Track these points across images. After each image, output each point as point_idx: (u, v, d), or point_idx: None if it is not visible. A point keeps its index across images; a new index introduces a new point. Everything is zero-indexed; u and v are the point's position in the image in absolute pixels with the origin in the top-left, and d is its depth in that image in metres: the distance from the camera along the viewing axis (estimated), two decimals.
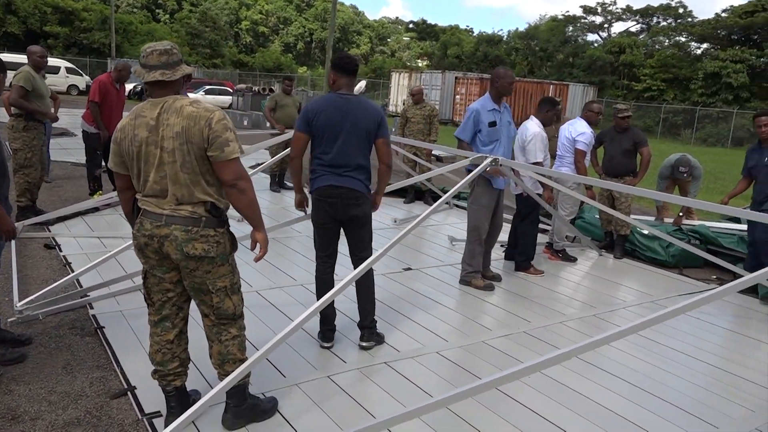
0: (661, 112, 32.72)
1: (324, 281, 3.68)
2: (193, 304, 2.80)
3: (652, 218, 7.53)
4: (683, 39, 39.84)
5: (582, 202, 7.11)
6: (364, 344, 3.77)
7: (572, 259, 6.26)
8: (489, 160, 4.29)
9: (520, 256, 5.73)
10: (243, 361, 2.74)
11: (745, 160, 5.61)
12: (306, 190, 3.78)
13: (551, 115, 5.62)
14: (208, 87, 28.84)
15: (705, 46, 38.47)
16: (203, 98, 25.47)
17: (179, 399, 2.79)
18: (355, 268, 3.54)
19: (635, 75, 38.16)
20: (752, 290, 5.54)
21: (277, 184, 8.98)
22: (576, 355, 2.34)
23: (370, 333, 3.78)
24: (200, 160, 2.51)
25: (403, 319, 4.35)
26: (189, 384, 2.97)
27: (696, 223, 7.04)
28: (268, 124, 9.07)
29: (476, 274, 5.13)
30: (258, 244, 2.75)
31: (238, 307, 2.74)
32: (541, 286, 5.38)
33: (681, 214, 6.89)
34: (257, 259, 2.76)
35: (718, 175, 15.17)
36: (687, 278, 5.99)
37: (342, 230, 3.68)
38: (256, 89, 24.11)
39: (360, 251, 3.69)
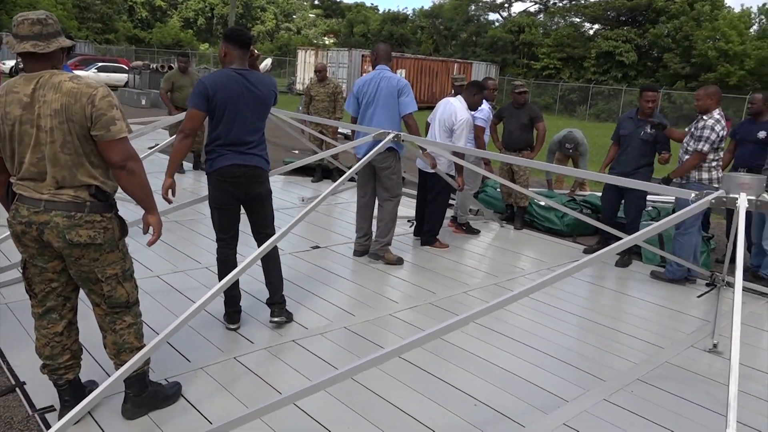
0: (558, 89, 34.27)
1: (227, 263, 3.60)
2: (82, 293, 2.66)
3: (551, 191, 7.93)
4: (578, 19, 41.74)
5: (484, 177, 7.37)
6: (275, 320, 3.74)
7: (476, 232, 6.49)
8: (391, 135, 4.33)
9: (427, 231, 5.87)
10: (140, 349, 2.64)
11: (617, 126, 5.88)
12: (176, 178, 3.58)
13: (478, 99, 5.72)
14: (100, 64, 27.06)
15: (597, 27, 40.51)
16: (95, 76, 23.89)
17: (73, 392, 2.66)
18: (259, 246, 3.49)
19: (534, 54, 39.63)
20: (639, 254, 5.99)
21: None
22: (473, 320, 2.44)
23: (280, 308, 3.76)
24: (83, 140, 2.36)
25: (311, 296, 4.36)
26: (85, 375, 2.84)
27: (587, 193, 7.49)
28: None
29: (389, 247, 5.20)
30: (151, 228, 2.64)
31: (132, 294, 2.63)
32: (446, 259, 5.54)
33: (573, 189, 7.33)
34: (150, 243, 2.65)
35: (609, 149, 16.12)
36: (580, 245, 6.38)
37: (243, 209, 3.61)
38: (155, 66, 22.96)
39: (264, 228, 3.64)
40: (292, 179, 8.82)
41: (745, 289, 5.13)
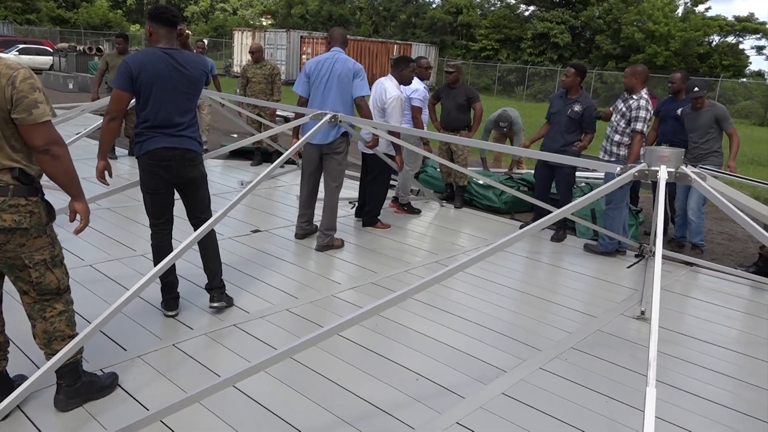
0: (496, 71, 34.82)
1: (162, 249, 3.51)
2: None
3: (488, 170, 8.09)
4: (513, 1, 42.39)
5: (424, 158, 7.44)
6: (215, 305, 3.68)
7: (417, 212, 6.56)
8: (329, 116, 4.31)
9: (368, 212, 5.89)
10: (73, 337, 2.55)
11: (549, 104, 6.05)
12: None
13: (408, 74, 5.72)
14: (22, 46, 25.60)
15: (532, 8, 41.25)
16: (17, 59, 22.58)
17: (1, 386, 2.55)
18: (195, 231, 3.41)
19: (472, 35, 40.07)
20: (573, 229, 6.21)
21: None
22: (410, 296, 2.49)
23: (220, 293, 3.70)
24: (2, 123, 2.24)
25: (252, 280, 4.32)
26: (13, 369, 2.73)
27: (524, 171, 7.68)
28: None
29: (334, 232, 5.18)
30: (78, 215, 2.55)
31: (63, 280, 2.54)
32: (388, 239, 5.59)
33: (510, 167, 7.52)
34: (77, 231, 2.56)
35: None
36: (518, 221, 6.55)
37: (177, 194, 3.52)
38: (81, 48, 21.91)
39: (200, 213, 3.56)
40: (231, 163, 8.65)
41: (670, 258, 5.42)
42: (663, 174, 2.60)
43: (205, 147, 8.62)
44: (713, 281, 5.08)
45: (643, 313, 4.16)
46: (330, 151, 4.93)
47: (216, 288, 3.69)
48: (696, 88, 5.48)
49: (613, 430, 2.80)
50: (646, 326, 4.01)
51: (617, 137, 5.38)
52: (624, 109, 5.33)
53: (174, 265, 3.49)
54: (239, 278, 4.31)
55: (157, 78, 3.21)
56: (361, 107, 4.91)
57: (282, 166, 8.23)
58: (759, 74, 37.49)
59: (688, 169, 2.63)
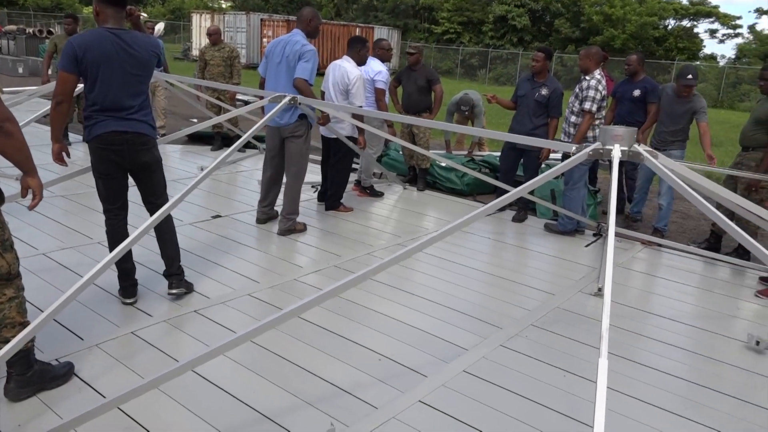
0: (459, 54, 34.88)
1: (117, 235, 3.42)
2: None
3: (450, 153, 8.13)
4: None
5: (387, 140, 7.43)
6: (174, 291, 3.62)
7: (379, 195, 6.56)
8: (287, 99, 4.25)
9: (331, 196, 5.87)
10: (24, 325, 2.48)
11: (516, 87, 6.12)
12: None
13: (364, 54, 5.68)
14: None
15: None
16: None
17: None
18: (151, 216, 3.34)
19: (435, 18, 39.99)
20: (534, 210, 6.31)
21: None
22: (369, 277, 2.49)
23: (178, 280, 3.64)
24: None
25: (213, 266, 4.26)
26: None
27: (485, 153, 7.74)
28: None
29: (296, 216, 5.13)
30: (31, 191, 2.47)
31: (13, 265, 2.46)
32: (351, 222, 5.58)
33: (471, 149, 7.57)
34: (32, 207, 2.50)
35: (506, 111, 16.70)
36: (480, 203, 6.62)
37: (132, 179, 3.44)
38: (31, 31, 21.09)
39: (156, 198, 3.48)
40: (190, 148, 8.49)
41: (626, 237, 5.55)
42: (616, 153, 2.65)
43: (163, 132, 8.43)
44: (668, 258, 5.23)
45: (600, 290, 4.26)
46: (289, 135, 4.87)
47: (174, 274, 3.63)
48: (690, 76, 5.39)
49: (570, 403, 2.87)
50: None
51: (573, 118, 5.46)
52: (578, 90, 5.41)
53: (131, 251, 3.42)
54: (200, 264, 4.25)
55: (103, 59, 3.11)
56: (298, 89, 4.69)
57: (242, 151, 8.17)
58: (712, 57, 38.51)
59: (641, 148, 2.69)
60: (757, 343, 3.53)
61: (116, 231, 3.44)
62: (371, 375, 2.99)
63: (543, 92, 5.69)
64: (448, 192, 7.02)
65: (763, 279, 4.71)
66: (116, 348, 3.09)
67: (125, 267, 3.50)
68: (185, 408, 2.62)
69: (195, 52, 28.28)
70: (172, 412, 2.59)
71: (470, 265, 4.67)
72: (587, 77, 5.35)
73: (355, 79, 5.35)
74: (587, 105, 5.28)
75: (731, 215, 4.85)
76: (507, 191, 5.10)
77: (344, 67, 5.42)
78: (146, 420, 2.52)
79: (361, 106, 5.43)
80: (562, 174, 6.04)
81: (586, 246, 5.31)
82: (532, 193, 5.95)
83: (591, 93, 5.27)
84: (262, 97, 4.75)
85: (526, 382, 3.03)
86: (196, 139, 9.03)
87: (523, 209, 6.10)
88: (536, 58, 5.75)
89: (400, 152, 7.47)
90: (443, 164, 6.88)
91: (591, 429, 1.67)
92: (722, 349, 3.56)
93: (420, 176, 7.01)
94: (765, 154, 4.77)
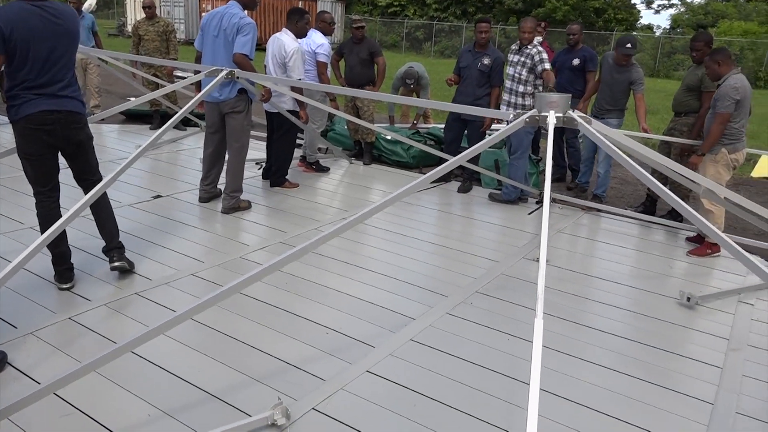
0: (404, 27, 34.69)
1: (49, 218, 3.27)
2: None
3: (401, 126, 8.12)
4: None
5: (332, 115, 7.36)
6: (116, 265, 3.51)
7: (325, 170, 6.51)
8: (224, 72, 4.14)
9: (275, 172, 5.78)
10: None
11: (458, 59, 6.13)
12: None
13: (303, 26, 5.55)
14: None
15: None
16: None
17: None
18: (86, 194, 3.22)
19: None
20: (479, 180, 6.39)
21: None
22: (311, 250, 2.49)
23: (120, 253, 3.54)
24: None
25: (155, 247, 4.15)
26: None
27: (431, 126, 7.77)
28: None
29: (240, 195, 5.04)
30: None
31: None
32: (297, 198, 5.52)
33: (415, 122, 7.62)
34: None
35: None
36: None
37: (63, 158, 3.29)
38: None
39: (90, 175, 3.37)
40: (128, 128, 8.18)
41: (567, 203, 5.71)
42: (551, 119, 2.70)
43: (98, 111, 8.09)
44: (607, 223, 5.41)
45: None
46: (229, 110, 4.75)
47: (115, 248, 3.52)
48: (629, 45, 5.51)
49: (514, 365, 2.95)
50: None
51: (522, 88, 5.53)
52: (523, 59, 5.46)
53: (65, 234, 3.30)
54: (141, 245, 4.13)
55: (32, 35, 2.94)
56: (239, 65, 4.59)
57: (183, 129, 7.93)
58: (649, 28, 39.62)
59: (575, 114, 2.75)
60: (688, 299, 3.71)
61: (49, 213, 3.30)
62: (319, 348, 3.00)
63: (485, 62, 5.73)
64: (395, 165, 7.02)
65: (690, 239, 4.93)
66: (54, 335, 2.98)
67: (60, 251, 3.37)
68: (127, 391, 2.56)
69: (130, 28, 27.17)
70: (114, 396, 2.53)
71: (417, 237, 4.71)
72: (529, 46, 5.43)
73: (291, 52, 5.25)
74: (547, 66, 5.44)
75: (665, 179, 5.04)
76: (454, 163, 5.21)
77: (281, 39, 5.31)
78: (86, 405, 2.45)
79: (300, 80, 5.34)
80: (504, 143, 6.17)
81: (530, 213, 5.43)
82: (476, 163, 6.04)
83: (544, 56, 5.44)
84: (199, 72, 4.61)
85: (471, 347, 3.10)
86: (134, 118, 8.72)
87: (468, 180, 6.17)
88: (484, 29, 5.77)
89: (345, 126, 7.42)
90: (389, 137, 6.87)
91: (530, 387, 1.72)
92: (656, 306, 3.73)
93: (366, 150, 6.98)
94: (697, 119, 4.96)
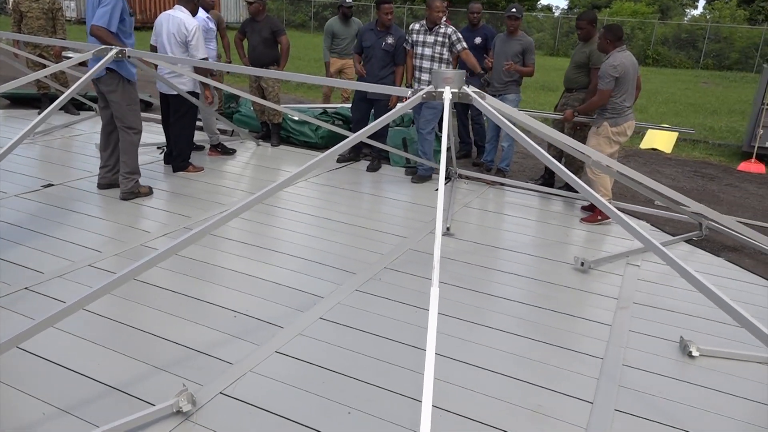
0: (312, 6, 34.16)
1: None
2: None
3: (302, 105, 8.03)
4: None
5: (237, 97, 7.16)
6: None
7: (231, 152, 6.35)
8: (114, 51, 3.92)
9: (177, 156, 5.57)
10: None
11: (359, 38, 6.11)
12: None
13: (194, 5, 5.32)
14: None
15: None
16: None
17: None
18: None
19: None
20: (387, 159, 6.46)
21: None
22: (209, 232, 2.44)
23: None
24: None
25: (46, 239, 3.91)
26: None
27: (338, 105, 7.75)
28: None
29: (138, 179, 4.81)
30: None
31: None
32: (202, 182, 5.36)
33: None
34: None
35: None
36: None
37: None
38: None
39: None
40: (14, 113, 7.61)
41: (472, 178, 5.89)
42: (447, 95, 2.77)
43: None
44: (510, 195, 5.64)
45: (448, 229, 4.51)
46: (106, 89, 4.54)
47: None
48: (513, 9, 5.68)
49: (421, 336, 3.04)
50: (452, 241, 4.36)
51: (444, 66, 5.62)
52: (441, 39, 5.52)
53: None
54: (29, 238, 3.88)
55: None
56: (98, 38, 4.34)
57: (77, 113, 7.47)
58: (548, 8, 41.17)
59: (470, 89, 2.83)
60: (582, 264, 3.95)
61: None
62: (226, 332, 2.95)
63: (389, 41, 5.77)
64: (303, 145, 6.96)
65: (584, 208, 5.24)
66: None
67: None
68: (17, 390, 2.42)
69: (11, 4, 25.09)
70: (1, 396, 2.38)
71: (326, 216, 4.71)
72: (441, 26, 5.52)
73: (193, 30, 5.05)
74: (465, 44, 5.59)
75: (561, 153, 5.31)
76: (363, 142, 5.25)
77: (179, 17, 5.08)
78: None
79: (205, 59, 5.16)
80: (413, 121, 6.26)
81: (436, 190, 5.55)
82: (385, 142, 6.10)
83: (460, 35, 5.58)
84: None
85: (379, 321, 3.16)
86: (20, 102, 8.12)
87: (376, 158, 6.22)
88: (388, 10, 5.80)
89: (251, 108, 7.25)
90: (296, 118, 6.78)
91: (435, 354, 1.77)
92: (553, 272, 3.94)
93: (273, 131, 6.86)
94: (587, 94, 5.23)
